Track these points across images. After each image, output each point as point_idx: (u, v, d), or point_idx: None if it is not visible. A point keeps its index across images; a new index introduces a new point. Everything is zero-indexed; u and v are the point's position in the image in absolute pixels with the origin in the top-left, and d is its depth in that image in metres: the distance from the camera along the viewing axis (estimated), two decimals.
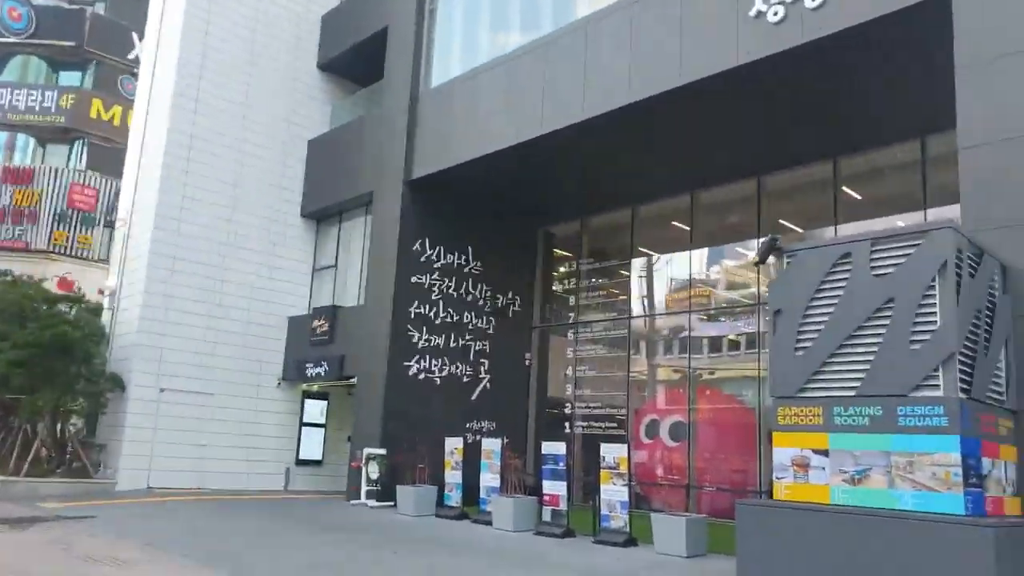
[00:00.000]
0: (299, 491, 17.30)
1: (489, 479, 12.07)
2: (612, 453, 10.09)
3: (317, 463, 18.12)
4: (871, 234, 6.78)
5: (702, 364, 14.26)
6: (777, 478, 6.90)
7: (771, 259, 7.34)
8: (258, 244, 18.16)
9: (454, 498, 12.71)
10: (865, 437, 6.38)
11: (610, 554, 9.15)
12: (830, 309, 6.87)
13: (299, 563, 8.02)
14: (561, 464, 10.90)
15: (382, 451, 14.00)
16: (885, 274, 6.58)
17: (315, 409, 18.33)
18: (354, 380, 15.94)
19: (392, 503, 13.43)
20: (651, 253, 15.70)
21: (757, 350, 13.36)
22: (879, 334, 6.50)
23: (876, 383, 6.41)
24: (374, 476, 13.91)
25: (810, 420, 6.76)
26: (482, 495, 12.10)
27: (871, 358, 6.51)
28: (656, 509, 13.54)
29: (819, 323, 6.92)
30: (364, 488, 14.04)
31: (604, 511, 10.13)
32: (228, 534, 9.92)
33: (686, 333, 14.47)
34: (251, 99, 18.45)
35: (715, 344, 14.27)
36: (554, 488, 10.87)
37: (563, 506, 10.75)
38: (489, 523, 11.43)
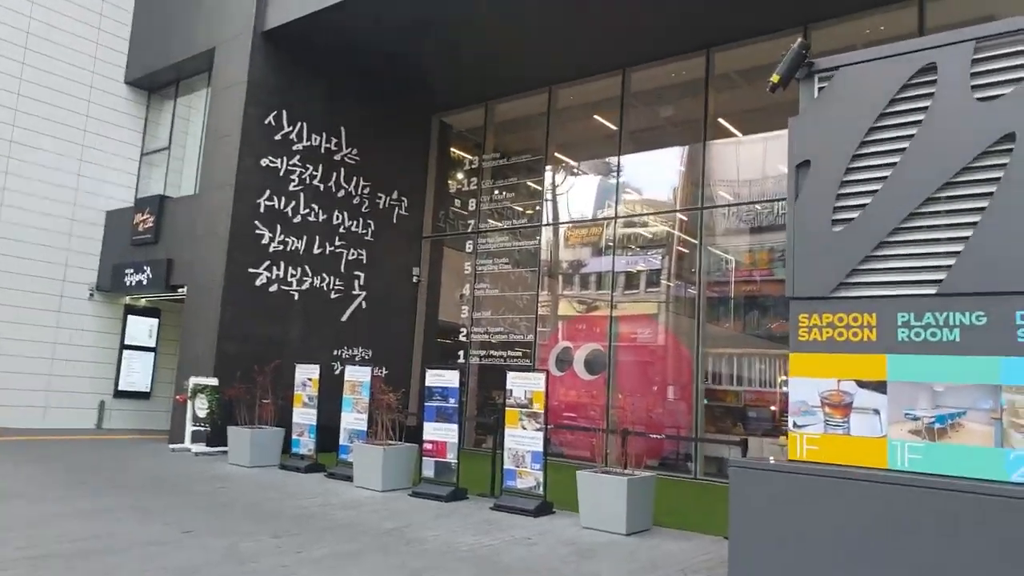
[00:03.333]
0: (115, 430, 13.81)
1: (353, 420, 9.08)
2: (524, 385, 7.28)
3: (144, 396, 14.60)
4: (971, 31, 4.13)
5: (626, 289, 11.74)
6: (795, 426, 4.31)
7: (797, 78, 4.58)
8: (66, 116, 14.20)
9: (305, 444, 9.63)
10: (954, 361, 3.85)
11: (518, 529, 6.44)
12: (893, 157, 4.24)
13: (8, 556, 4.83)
14: (452, 400, 8.00)
15: (213, 381, 10.70)
16: (998, 96, 3.98)
17: (142, 329, 14.68)
18: (184, 291, 12.37)
19: (225, 448, 10.26)
20: (568, 160, 12.94)
21: (697, 271, 10.96)
22: (984, 194, 3.93)
23: (977, 272, 3.87)
24: (202, 413, 10.63)
25: (856, 334, 4.17)
26: (343, 441, 9.13)
27: (968, 233, 3.95)
28: (564, 456, 11.12)
29: (874, 180, 4.28)
30: (189, 428, 10.76)
31: (509, 465, 7.41)
32: None
33: (610, 249, 11.87)
34: None
35: (641, 272, 11.76)
36: (440, 433, 8.01)
37: (452, 457, 7.92)
38: (349, 478, 8.52)
